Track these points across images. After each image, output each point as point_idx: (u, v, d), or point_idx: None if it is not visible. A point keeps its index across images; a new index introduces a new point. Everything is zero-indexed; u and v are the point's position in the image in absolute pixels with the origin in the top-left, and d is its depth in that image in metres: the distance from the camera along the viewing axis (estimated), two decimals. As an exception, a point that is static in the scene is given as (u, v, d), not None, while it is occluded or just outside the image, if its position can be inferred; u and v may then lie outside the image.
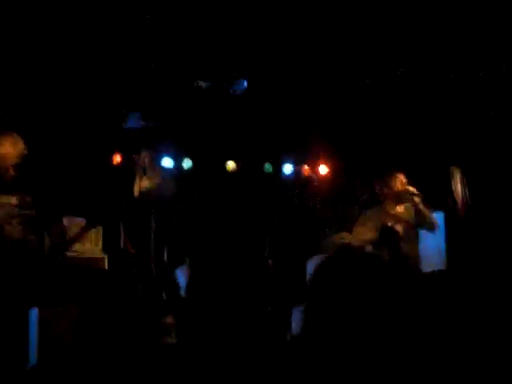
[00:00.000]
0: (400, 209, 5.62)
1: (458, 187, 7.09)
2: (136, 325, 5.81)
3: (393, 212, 5.59)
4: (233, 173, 6.70)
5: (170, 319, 6.22)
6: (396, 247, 5.48)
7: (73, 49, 5.71)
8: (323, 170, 7.02)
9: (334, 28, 5.77)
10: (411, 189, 5.47)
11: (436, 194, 7.44)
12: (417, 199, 5.44)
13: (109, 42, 5.65)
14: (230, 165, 6.57)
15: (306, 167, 7.01)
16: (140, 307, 5.96)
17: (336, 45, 6.08)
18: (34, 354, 4.86)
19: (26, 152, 4.20)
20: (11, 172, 4.17)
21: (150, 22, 5.55)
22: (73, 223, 6.04)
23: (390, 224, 5.39)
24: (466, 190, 6.96)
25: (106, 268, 6.27)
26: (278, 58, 6.17)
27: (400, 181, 5.54)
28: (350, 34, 5.90)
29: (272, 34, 5.69)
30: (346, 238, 7.01)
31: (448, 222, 7.75)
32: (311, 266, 6.93)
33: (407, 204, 5.56)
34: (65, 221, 5.85)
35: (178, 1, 5.39)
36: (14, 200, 4.19)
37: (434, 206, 7.75)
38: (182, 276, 6.61)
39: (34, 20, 5.24)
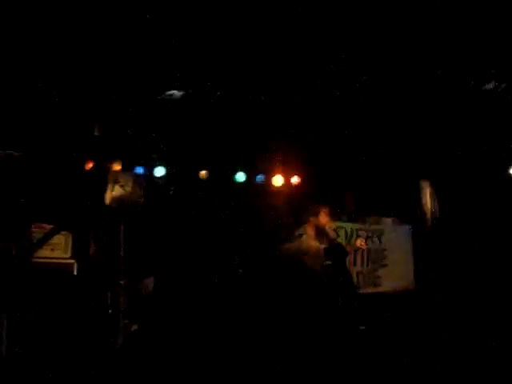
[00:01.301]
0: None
1: (427, 200, 7.23)
2: (101, 329, 5.80)
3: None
4: (204, 181, 6.72)
5: (134, 326, 6.25)
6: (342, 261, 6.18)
7: (46, 60, 5.71)
8: (294, 180, 7.09)
9: (304, 40, 5.84)
10: (331, 225, 6.37)
11: (404, 207, 7.55)
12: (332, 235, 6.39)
13: (80, 53, 5.65)
14: (202, 173, 6.60)
15: (277, 177, 7.06)
16: (106, 313, 5.95)
17: (309, 58, 6.15)
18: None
19: None
20: None
21: (121, 33, 5.57)
22: (42, 229, 6.02)
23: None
24: (436, 202, 7.09)
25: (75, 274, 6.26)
26: (249, 70, 6.23)
27: (325, 214, 6.27)
28: (320, 45, 5.98)
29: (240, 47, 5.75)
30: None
31: (415, 234, 7.86)
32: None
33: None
34: (34, 228, 5.83)
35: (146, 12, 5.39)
36: None
37: (402, 219, 7.87)
38: (148, 285, 6.62)
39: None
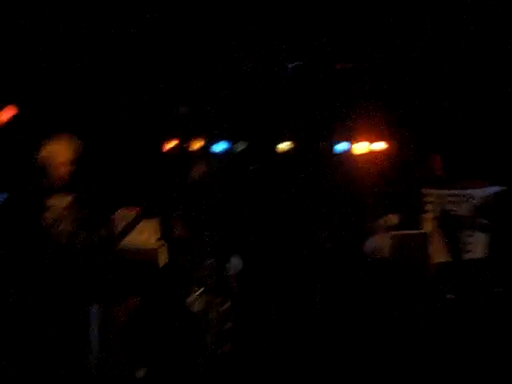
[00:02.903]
0: None
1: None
2: (190, 313, 5.68)
3: None
4: (286, 154, 6.52)
5: (226, 306, 6.13)
6: None
7: (121, 41, 5.64)
8: (380, 146, 6.79)
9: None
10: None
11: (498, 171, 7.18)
12: None
13: (156, 31, 5.55)
14: (284, 146, 6.40)
15: (359, 144, 6.79)
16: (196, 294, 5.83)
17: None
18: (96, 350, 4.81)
19: (80, 149, 4.14)
20: (64, 169, 4.11)
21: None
22: (127, 214, 5.94)
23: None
24: None
25: (163, 257, 6.15)
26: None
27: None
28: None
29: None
30: (393, 219, 6.86)
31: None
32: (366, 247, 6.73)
33: None
34: (119, 211, 5.75)
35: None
36: (66, 198, 4.13)
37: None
38: (236, 264, 6.47)
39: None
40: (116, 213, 5.11)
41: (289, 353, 5.57)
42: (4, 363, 4.19)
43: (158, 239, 6.11)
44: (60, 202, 4.16)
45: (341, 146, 6.64)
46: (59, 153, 4.08)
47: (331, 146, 6.63)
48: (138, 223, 5.61)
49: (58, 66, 5.48)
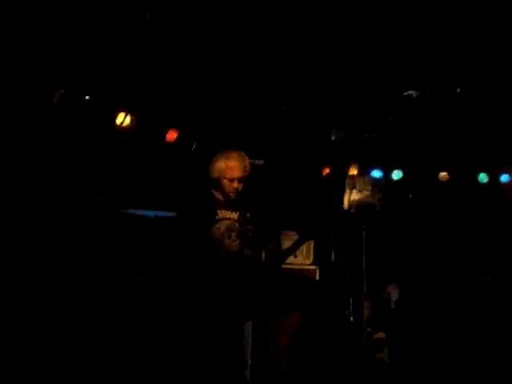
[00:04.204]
0: None
1: None
2: (346, 338, 5.65)
3: None
4: (445, 183, 6.37)
5: (380, 335, 6.02)
6: None
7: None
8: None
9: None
10: None
11: None
12: None
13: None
14: (442, 175, 6.27)
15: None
16: (350, 321, 5.81)
17: None
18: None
19: (250, 168, 4.29)
20: (236, 185, 4.27)
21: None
22: (286, 236, 6.07)
23: None
24: None
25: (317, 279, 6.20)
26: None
27: None
28: None
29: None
30: None
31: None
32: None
33: None
34: (283, 232, 5.88)
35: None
36: (235, 215, 4.27)
37: None
38: (393, 291, 6.38)
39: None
40: (280, 233, 5.24)
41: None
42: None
43: (312, 262, 6.19)
44: (229, 216, 4.30)
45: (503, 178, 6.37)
46: (235, 168, 4.23)
47: (495, 178, 6.37)
48: (301, 246, 5.72)
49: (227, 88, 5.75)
